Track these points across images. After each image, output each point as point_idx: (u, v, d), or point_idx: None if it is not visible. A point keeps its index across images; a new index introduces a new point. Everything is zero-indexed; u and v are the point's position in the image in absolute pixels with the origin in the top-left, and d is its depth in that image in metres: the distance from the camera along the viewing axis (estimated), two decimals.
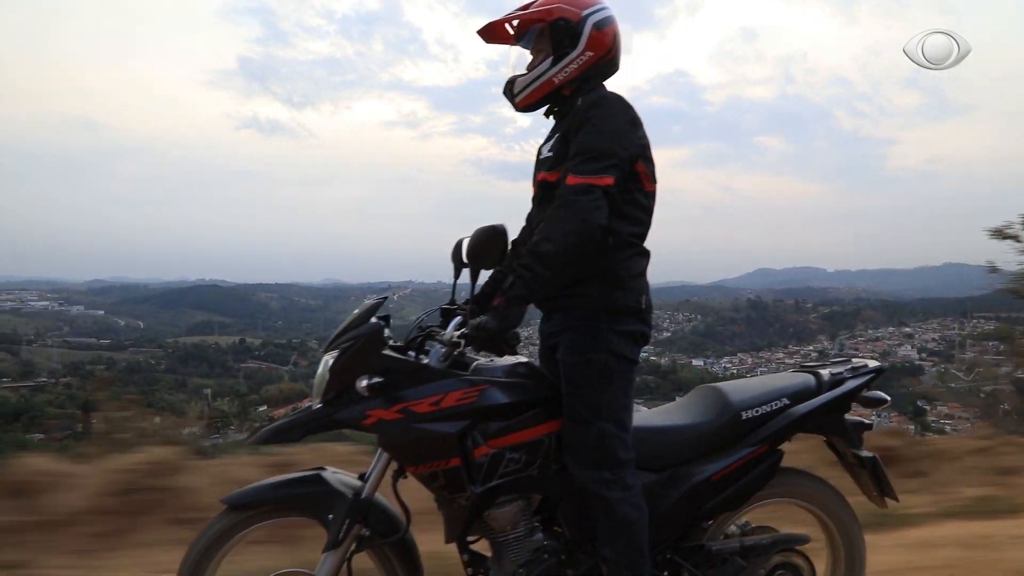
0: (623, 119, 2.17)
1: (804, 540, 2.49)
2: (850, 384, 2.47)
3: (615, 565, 2.16)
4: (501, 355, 2.29)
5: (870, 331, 65.80)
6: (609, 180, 2.06)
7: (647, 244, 2.35)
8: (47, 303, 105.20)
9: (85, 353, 68.38)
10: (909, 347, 60.22)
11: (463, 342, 2.08)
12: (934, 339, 60.95)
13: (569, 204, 2.04)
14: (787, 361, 57.03)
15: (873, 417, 2.72)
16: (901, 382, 50.85)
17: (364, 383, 2.09)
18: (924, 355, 57.33)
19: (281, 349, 72.02)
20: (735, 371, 53.01)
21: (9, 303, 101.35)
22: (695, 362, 56.11)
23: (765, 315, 77.49)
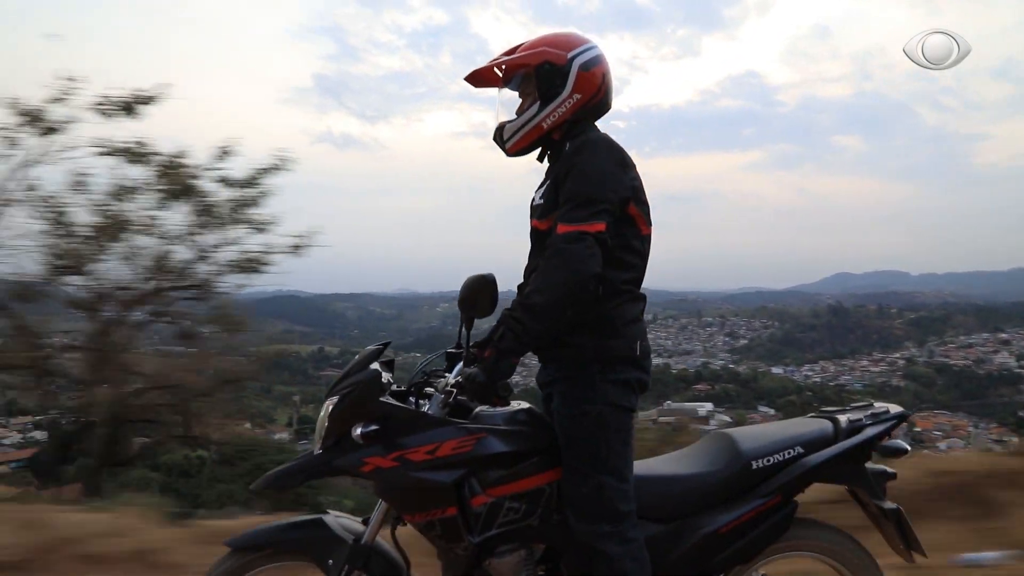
0: (611, 162, 2.08)
1: None
2: (869, 432, 2.29)
3: None
4: (494, 406, 2.13)
5: (961, 337, 62.91)
6: (601, 226, 1.98)
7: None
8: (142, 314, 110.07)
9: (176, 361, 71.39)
10: (1007, 354, 57.29)
11: (455, 391, 2.04)
12: None
13: (560, 253, 1.96)
14: (872, 369, 55.29)
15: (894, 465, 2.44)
16: (999, 391, 48.51)
17: (359, 431, 2.03)
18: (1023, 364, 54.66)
19: None
20: (817, 379, 51.48)
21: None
22: (774, 370, 54.73)
23: (846, 321, 74.87)
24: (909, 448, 2.35)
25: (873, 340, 68.26)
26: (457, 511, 2.07)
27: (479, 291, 2.16)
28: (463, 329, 2.19)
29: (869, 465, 2.32)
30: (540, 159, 2.28)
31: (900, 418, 2.34)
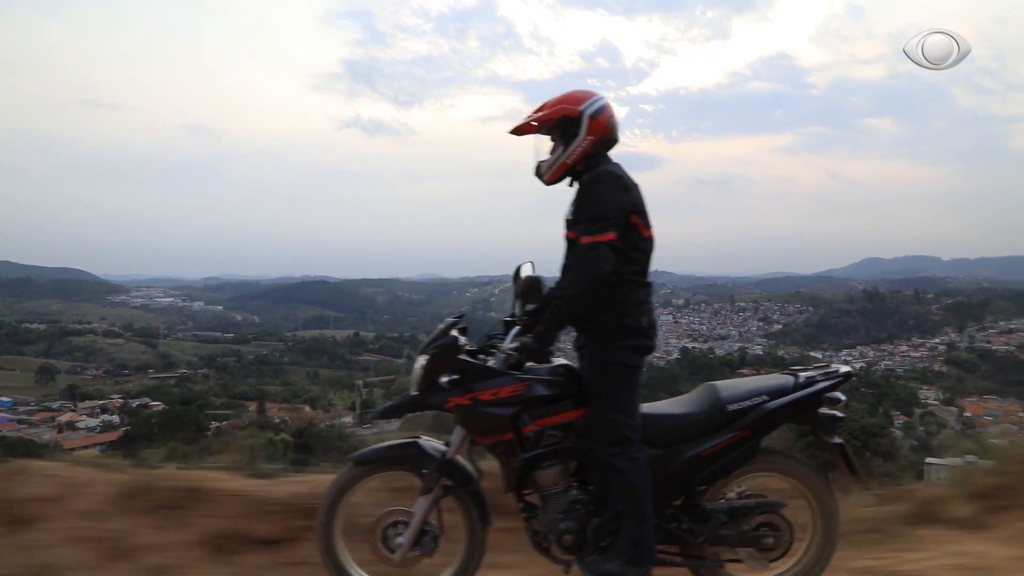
0: (614, 188, 2.78)
1: (780, 505, 3.00)
2: (819, 385, 2.95)
3: (625, 516, 2.81)
4: (539, 363, 2.90)
5: (1002, 323, 62.00)
6: (611, 236, 2.69)
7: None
8: (172, 299, 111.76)
9: (214, 347, 73.00)
10: None
11: (515, 354, 2.81)
12: None
13: (583, 258, 2.71)
14: (912, 354, 54.72)
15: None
16: None
17: (445, 379, 2.80)
18: None
19: (393, 343, 74.54)
20: (859, 365, 50.97)
21: (139, 299, 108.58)
22: (813, 355, 54.14)
23: (882, 307, 74.11)
24: (844, 399, 3.00)
25: (910, 326, 67.46)
26: (513, 436, 2.83)
27: (533, 286, 2.96)
28: (516, 308, 3.04)
29: (824, 411, 2.98)
30: (570, 184, 2.98)
31: (846, 376, 3.02)
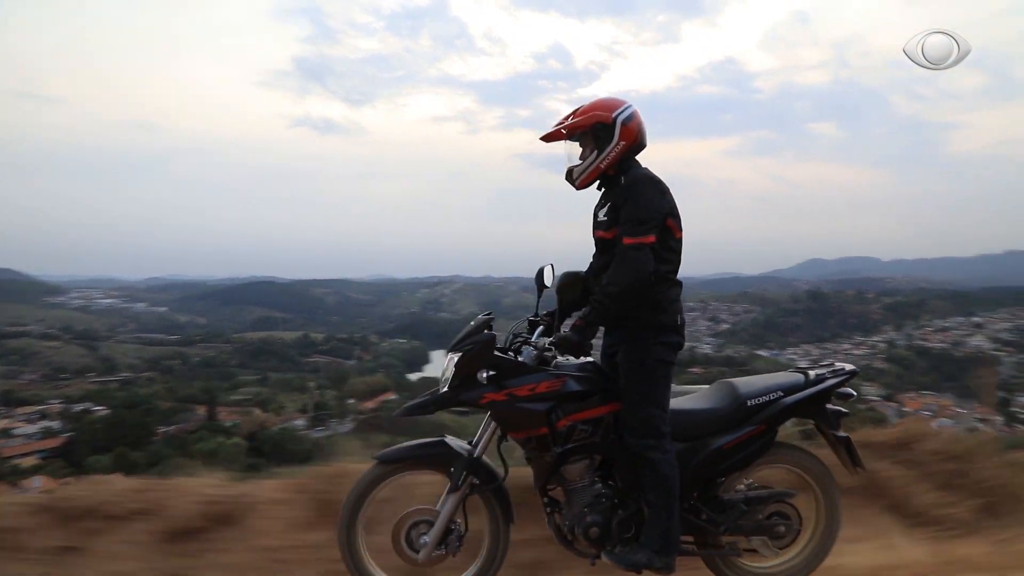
0: (654, 192, 2.90)
1: (791, 494, 3.19)
2: (829, 382, 3.14)
3: (656, 507, 2.89)
4: (578, 358, 3.01)
5: (937, 321, 64.12)
6: (652, 238, 2.83)
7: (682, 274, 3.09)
8: (112, 300, 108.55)
9: (158, 349, 70.64)
10: (982, 337, 58.38)
11: (554, 349, 2.90)
12: (1006, 328, 59.26)
13: (627, 258, 2.81)
14: (855, 352, 56.18)
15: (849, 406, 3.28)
16: (977, 373, 49.39)
17: (484, 375, 2.87)
18: (998, 345, 55.73)
19: (344, 344, 73.39)
20: (804, 363, 51.97)
21: (78, 301, 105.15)
22: (760, 353, 55.28)
23: (825, 306, 75.63)
24: (855, 394, 3.19)
25: (852, 324, 69.24)
26: (547, 430, 2.90)
27: (575, 282, 3.09)
28: (558, 306, 3.17)
29: (829, 406, 3.18)
30: (599, 188, 3.11)
31: (852, 374, 3.19)
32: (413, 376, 63.88)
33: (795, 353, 57.91)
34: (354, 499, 2.96)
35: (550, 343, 2.91)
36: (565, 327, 3.05)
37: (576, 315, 3.05)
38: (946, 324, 63.34)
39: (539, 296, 3.18)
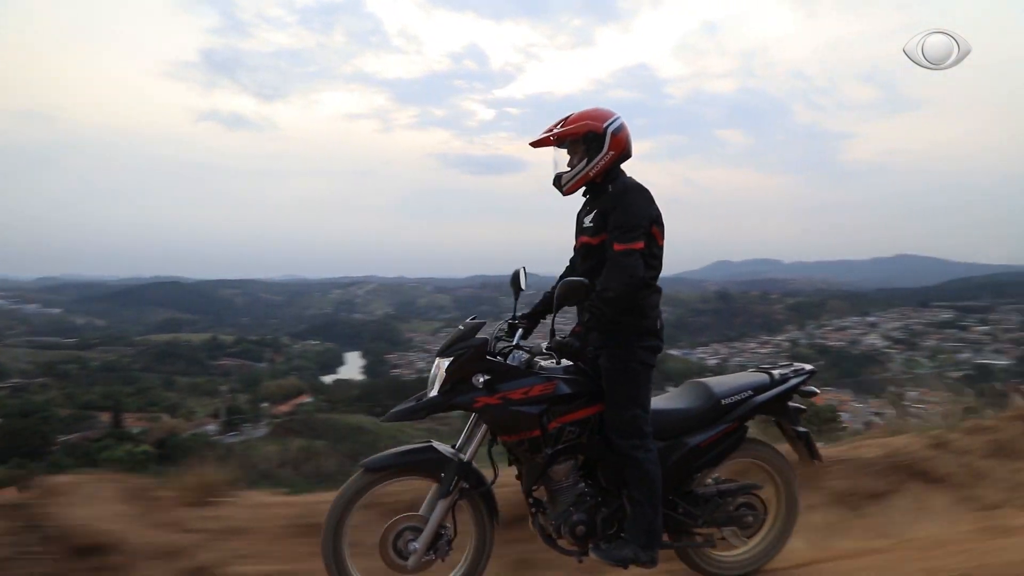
0: (643, 200, 3.00)
1: (757, 486, 3.36)
2: (793, 381, 3.36)
3: (641, 503, 2.98)
4: (576, 363, 3.08)
5: (835, 321, 67.44)
6: (641, 244, 2.91)
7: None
8: (1, 301, 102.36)
9: (53, 353, 66.37)
10: (875, 336, 61.70)
11: (553, 353, 2.95)
12: (897, 327, 62.92)
13: (619, 264, 2.89)
14: (760, 351, 58.53)
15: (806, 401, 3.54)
16: (871, 369, 52.36)
17: (481, 379, 2.89)
18: (890, 343, 59.07)
19: (255, 346, 71.15)
20: (712, 362, 53.84)
21: None
22: (672, 353, 56.75)
23: (732, 306, 78.48)
24: (818, 391, 3.46)
25: (758, 324, 71.91)
26: (540, 433, 2.94)
27: (579, 290, 2.91)
28: (553, 314, 3.03)
29: (790, 404, 3.40)
30: (584, 195, 3.22)
31: (811, 373, 3.44)
32: (327, 378, 62.88)
33: (705, 352, 59.80)
34: (340, 509, 2.88)
35: (548, 348, 2.95)
36: (553, 329, 3.08)
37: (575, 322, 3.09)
38: (844, 323, 66.72)
39: (516, 299, 3.24)
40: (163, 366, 62.55)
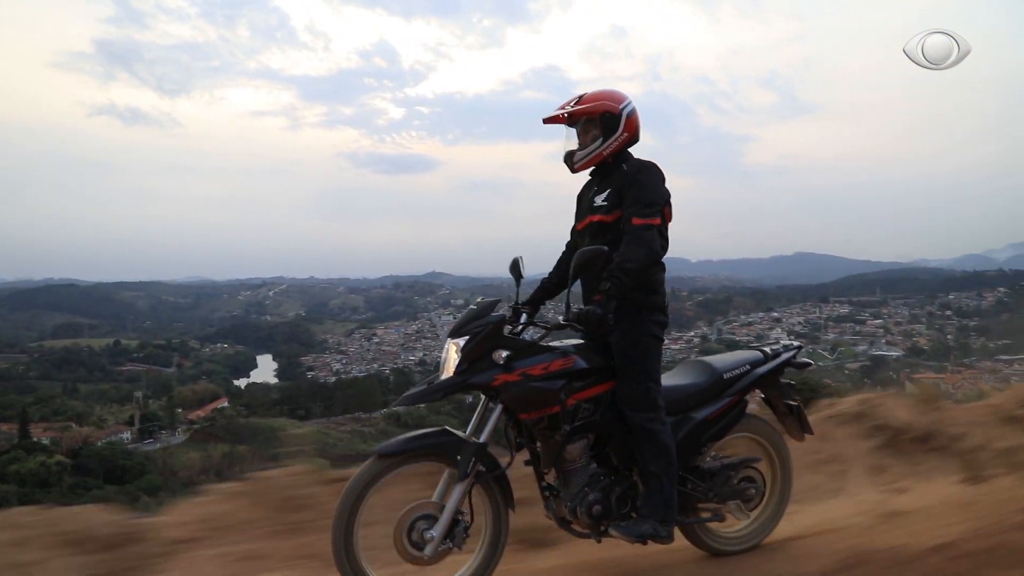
0: (660, 179, 3.07)
1: (758, 459, 3.45)
2: (784, 356, 3.46)
3: (657, 477, 3.00)
4: (599, 334, 3.00)
5: (742, 316, 70.05)
6: (658, 220, 2.97)
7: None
8: None
9: None
10: (779, 330, 64.29)
11: (572, 325, 2.88)
12: (799, 322, 65.94)
13: (639, 237, 2.92)
14: (673, 347, 60.03)
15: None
16: None
17: (504, 354, 2.85)
18: (792, 337, 61.78)
19: (161, 350, 68.27)
20: None
21: None
22: None
23: None
24: (813, 363, 3.51)
25: (669, 320, 73.78)
26: (559, 409, 2.89)
27: (597, 258, 2.86)
28: (569, 287, 2.96)
29: (782, 379, 3.49)
30: (592, 174, 3.26)
31: (799, 348, 3.55)
32: (240, 382, 60.98)
33: None
34: (352, 498, 2.73)
35: (566, 320, 2.90)
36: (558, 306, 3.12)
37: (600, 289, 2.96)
38: (750, 319, 69.37)
39: (517, 286, 3.24)
40: (63, 373, 59.28)
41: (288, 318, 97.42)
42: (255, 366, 71.70)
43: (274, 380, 63.29)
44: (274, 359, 73.31)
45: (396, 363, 65.32)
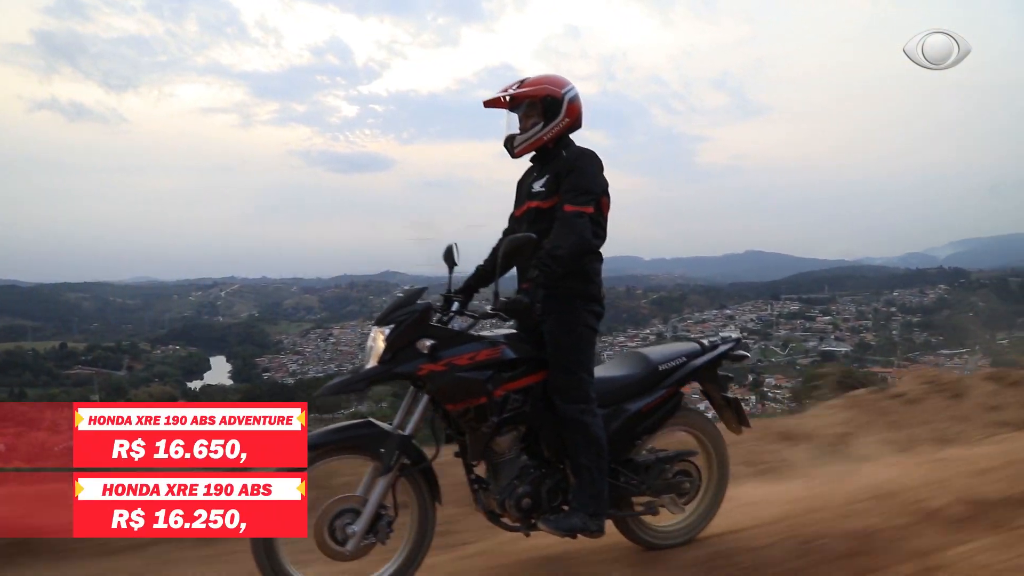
0: (597, 167, 3.06)
1: (694, 453, 3.46)
2: (722, 348, 3.48)
3: (588, 469, 2.97)
4: (528, 323, 3.05)
5: (696, 314, 71.00)
6: (591, 209, 2.95)
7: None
8: None
9: None
10: (733, 327, 65.50)
11: (500, 314, 2.88)
12: (752, 319, 67.16)
13: (570, 224, 2.91)
14: (630, 344, 60.90)
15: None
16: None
17: (428, 343, 2.79)
18: (745, 334, 62.95)
19: (110, 353, 66.35)
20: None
21: None
22: None
23: None
24: (749, 355, 3.58)
25: (624, 318, 74.66)
26: (486, 400, 2.85)
27: (525, 247, 2.82)
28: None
29: (719, 371, 3.48)
30: (532, 160, 3.21)
31: (738, 340, 3.53)
32: (195, 384, 59.74)
33: None
34: None
35: (494, 309, 2.87)
36: (482, 297, 3.10)
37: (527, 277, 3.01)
38: (704, 316, 70.15)
39: (450, 273, 3.18)
40: (8, 378, 57.33)
41: (241, 319, 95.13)
42: (209, 368, 70.06)
43: (229, 382, 62.18)
44: (228, 360, 71.94)
45: (353, 363, 64.52)
